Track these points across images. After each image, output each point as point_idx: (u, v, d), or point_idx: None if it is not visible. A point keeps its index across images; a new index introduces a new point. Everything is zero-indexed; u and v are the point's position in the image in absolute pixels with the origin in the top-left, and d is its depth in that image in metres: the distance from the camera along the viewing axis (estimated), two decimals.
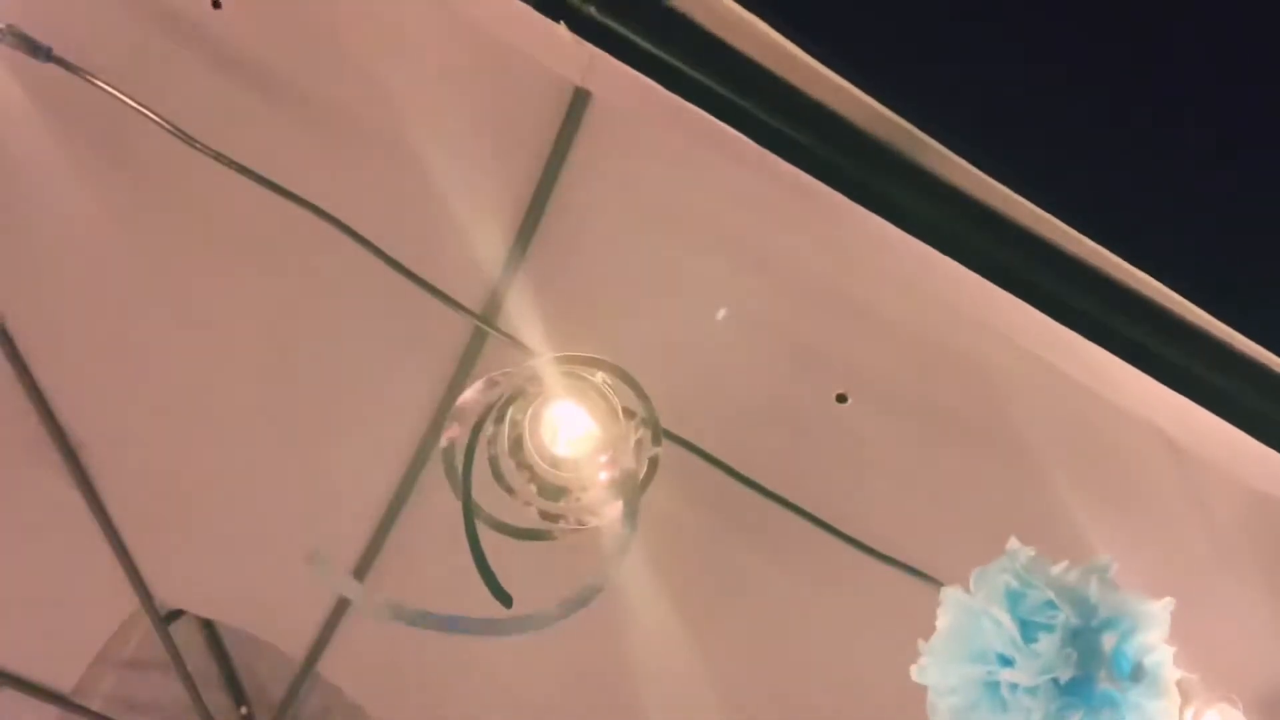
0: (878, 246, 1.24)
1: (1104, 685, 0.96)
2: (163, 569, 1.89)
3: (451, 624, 1.00)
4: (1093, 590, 1.00)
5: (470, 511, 1.07)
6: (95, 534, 1.81)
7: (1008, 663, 0.99)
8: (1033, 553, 1.04)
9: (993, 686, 0.99)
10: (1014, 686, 0.97)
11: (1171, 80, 1.28)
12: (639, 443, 1.13)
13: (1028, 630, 0.99)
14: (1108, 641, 0.98)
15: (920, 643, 1.04)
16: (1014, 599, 1.01)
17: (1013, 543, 1.05)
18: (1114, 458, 1.45)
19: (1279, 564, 1.50)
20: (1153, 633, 1.00)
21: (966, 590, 1.05)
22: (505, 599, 1.03)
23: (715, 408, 1.48)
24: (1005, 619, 1.00)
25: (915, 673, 1.04)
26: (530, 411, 1.11)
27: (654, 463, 1.16)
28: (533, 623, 1.01)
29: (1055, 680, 0.96)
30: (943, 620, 1.05)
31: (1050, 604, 0.99)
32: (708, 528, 1.59)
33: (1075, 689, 0.97)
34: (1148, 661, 1.00)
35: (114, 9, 1.31)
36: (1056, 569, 1.03)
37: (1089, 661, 0.97)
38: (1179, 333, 1.24)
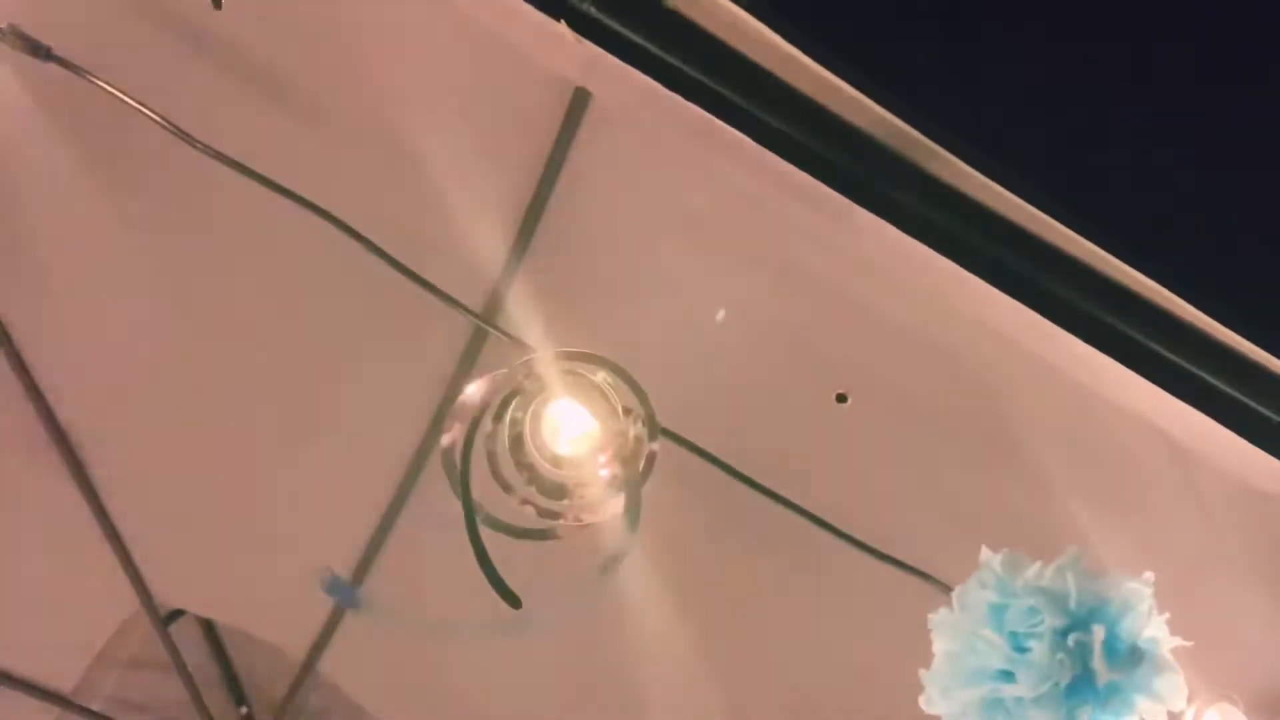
0: (878, 247, 1.24)
1: (1106, 677, 0.96)
2: (163, 569, 1.89)
3: (466, 630, 1.00)
4: (1071, 584, 0.99)
5: (471, 514, 1.07)
6: (95, 534, 1.81)
7: (1009, 676, 0.98)
8: (1006, 557, 1.03)
9: (1000, 703, 0.98)
10: (1019, 700, 0.97)
11: (1171, 80, 1.28)
12: (636, 439, 1.13)
13: (1017, 641, 0.99)
14: (1099, 632, 0.97)
15: (921, 672, 1.04)
16: (997, 613, 1.01)
17: (984, 553, 1.04)
18: (1114, 458, 1.45)
19: (1278, 562, 1.50)
20: (1139, 611, 0.99)
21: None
22: (514, 600, 1.02)
23: (715, 407, 1.48)
24: (993, 636, 0.99)
25: (923, 703, 1.03)
26: (531, 409, 1.11)
27: (650, 458, 1.15)
28: (540, 624, 1.01)
29: (1056, 684, 0.96)
30: (937, 645, 1.05)
31: (1033, 610, 0.98)
32: (707, 527, 1.59)
33: (1079, 688, 0.96)
34: (1142, 641, 0.99)
35: (114, 8, 1.31)
36: (1032, 571, 1.02)
37: (1085, 657, 0.96)
38: (1178, 334, 1.24)
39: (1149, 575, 1.01)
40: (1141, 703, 0.97)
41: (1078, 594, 0.98)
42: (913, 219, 1.18)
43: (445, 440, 1.09)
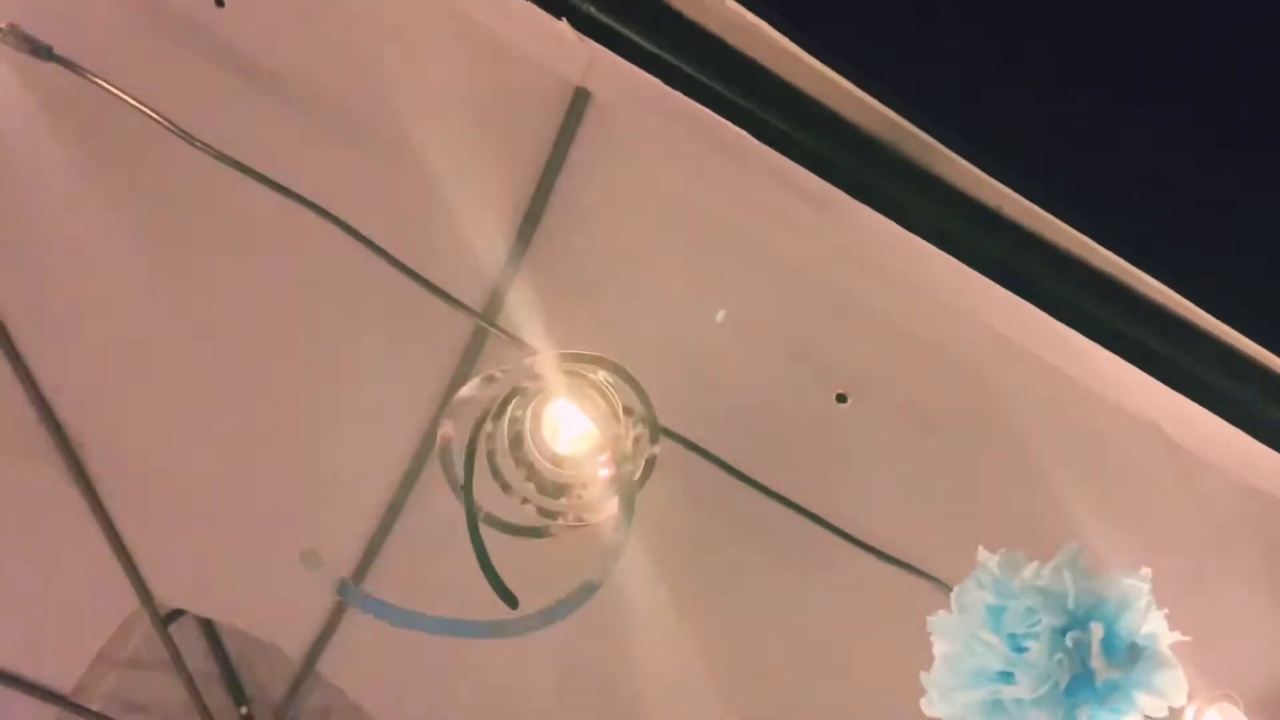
0: (878, 245, 1.24)
1: (1105, 675, 0.95)
2: (163, 569, 1.89)
3: (448, 627, 1.00)
4: (1068, 583, 0.99)
5: (472, 511, 1.07)
6: (95, 534, 1.81)
7: (1008, 678, 0.98)
8: (1003, 557, 1.03)
9: (1000, 704, 0.98)
10: (1019, 701, 0.97)
11: (1171, 79, 1.28)
12: (637, 440, 1.13)
13: (1016, 642, 0.98)
14: (1097, 630, 0.96)
15: (922, 675, 1.04)
16: (995, 614, 1.00)
17: (981, 553, 1.04)
18: (1113, 457, 1.45)
19: (1278, 562, 1.50)
20: (1137, 608, 0.99)
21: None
22: (511, 600, 1.02)
23: (715, 407, 1.48)
24: (991, 637, 0.99)
25: (924, 706, 1.03)
26: (531, 409, 1.11)
27: (651, 461, 1.15)
28: (531, 624, 1.01)
29: (1056, 684, 0.96)
30: (937, 647, 1.05)
31: (1031, 610, 0.98)
32: (707, 526, 1.59)
33: (1078, 687, 0.96)
34: (1141, 638, 0.98)
35: (115, 8, 1.31)
36: (1029, 570, 1.01)
37: (1083, 656, 0.96)
38: (1179, 332, 1.24)
39: (1146, 571, 1.00)
40: (1142, 699, 0.97)
41: (1075, 593, 0.98)
42: (914, 217, 1.18)
43: (440, 440, 1.09)
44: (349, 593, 1.07)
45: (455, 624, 1.01)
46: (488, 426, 1.12)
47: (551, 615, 1.00)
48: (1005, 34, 1.25)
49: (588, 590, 1.02)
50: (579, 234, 1.43)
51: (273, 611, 1.94)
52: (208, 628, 2.15)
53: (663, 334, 1.45)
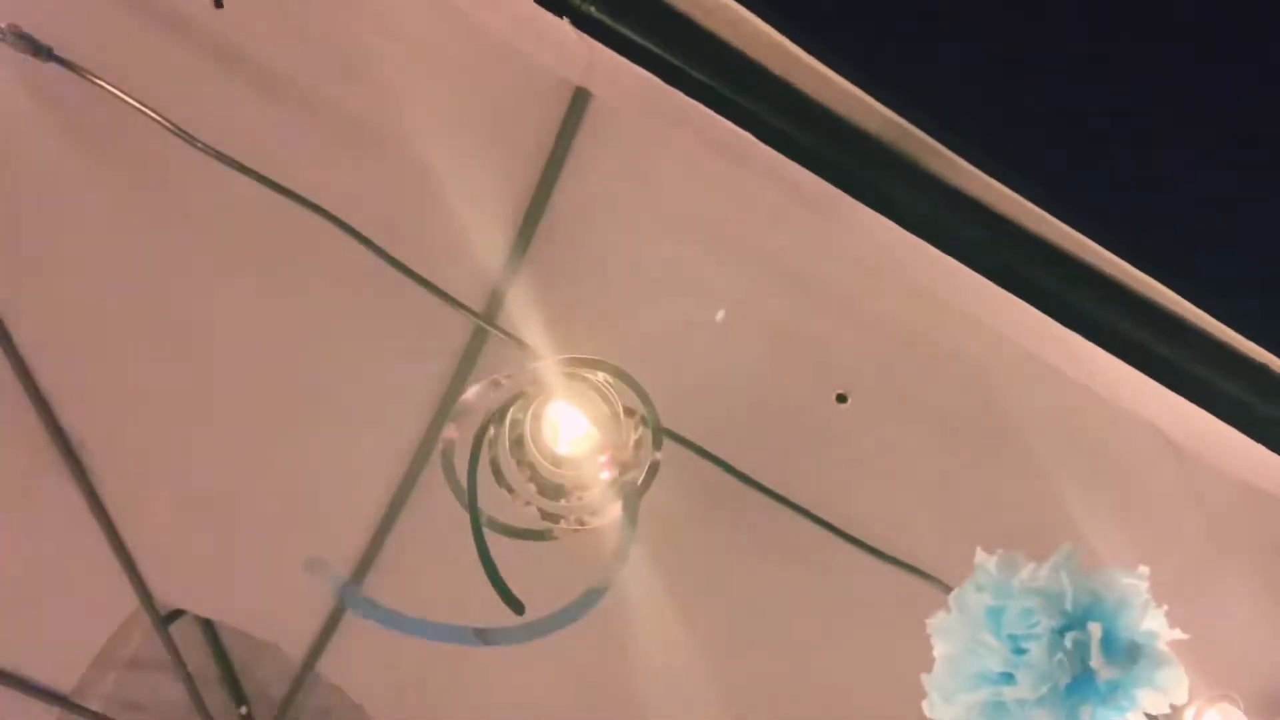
0: (878, 246, 1.24)
1: (1106, 674, 0.95)
2: (163, 569, 1.89)
3: (453, 634, 0.99)
4: (1066, 583, 0.99)
5: (477, 517, 1.06)
6: (95, 534, 1.81)
7: (1009, 679, 0.98)
8: (1001, 559, 1.03)
9: (1002, 705, 0.98)
10: (1021, 702, 0.97)
11: (1172, 79, 1.28)
12: (639, 443, 1.13)
13: (1016, 643, 0.98)
14: (1095, 630, 0.96)
15: (923, 677, 1.04)
16: (994, 616, 1.00)
17: (979, 555, 1.04)
18: (1113, 457, 1.45)
19: (1278, 562, 1.50)
20: (1135, 605, 0.99)
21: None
22: (517, 606, 1.02)
23: (715, 407, 1.48)
24: (991, 639, 0.99)
25: (926, 708, 1.03)
26: (531, 411, 1.11)
27: (654, 466, 1.15)
28: (536, 630, 1.00)
29: (1057, 684, 0.96)
30: (937, 650, 1.05)
31: (1030, 611, 0.98)
32: (708, 526, 1.59)
33: (1079, 687, 0.96)
34: (1140, 636, 0.98)
35: (115, 8, 1.31)
36: (1026, 571, 1.01)
37: (1084, 656, 0.96)
38: (1179, 333, 1.24)
39: (1143, 569, 1.00)
40: (1144, 696, 0.97)
41: (1073, 593, 0.98)
42: (914, 217, 1.18)
43: (442, 442, 1.09)
44: (357, 601, 1.07)
45: (454, 630, 1.00)
46: (490, 431, 1.12)
47: (557, 621, 1.00)
48: (1005, 34, 1.25)
49: (594, 595, 1.01)
50: (579, 234, 1.43)
51: (273, 611, 1.94)
52: (208, 628, 2.15)
53: (663, 334, 1.45)
